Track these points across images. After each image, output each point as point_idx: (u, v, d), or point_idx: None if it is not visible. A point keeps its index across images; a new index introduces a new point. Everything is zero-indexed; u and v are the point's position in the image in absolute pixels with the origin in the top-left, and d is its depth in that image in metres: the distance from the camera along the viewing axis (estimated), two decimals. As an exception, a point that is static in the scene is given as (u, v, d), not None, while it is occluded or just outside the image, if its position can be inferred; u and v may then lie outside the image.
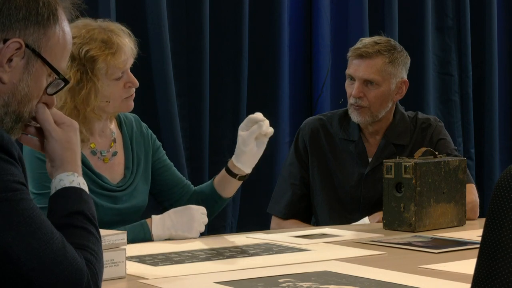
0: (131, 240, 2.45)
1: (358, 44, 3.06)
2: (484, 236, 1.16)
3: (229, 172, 2.68)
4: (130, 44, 2.54)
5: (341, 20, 4.14)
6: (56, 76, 1.60)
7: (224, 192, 2.71)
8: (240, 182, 2.71)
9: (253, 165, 2.67)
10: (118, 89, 2.53)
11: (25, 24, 1.54)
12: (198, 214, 2.56)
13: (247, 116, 3.83)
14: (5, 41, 1.53)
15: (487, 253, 1.15)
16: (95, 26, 2.54)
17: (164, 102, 3.59)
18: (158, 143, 2.75)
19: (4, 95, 1.55)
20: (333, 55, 4.06)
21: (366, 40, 3.08)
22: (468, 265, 2.03)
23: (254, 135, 2.62)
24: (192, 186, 2.77)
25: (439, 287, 1.88)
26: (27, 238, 1.39)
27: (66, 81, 1.62)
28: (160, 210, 2.79)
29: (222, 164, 3.78)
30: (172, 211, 2.56)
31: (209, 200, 2.71)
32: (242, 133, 2.63)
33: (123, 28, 2.57)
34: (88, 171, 2.53)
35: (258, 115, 2.64)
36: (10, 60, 1.54)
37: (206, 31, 3.72)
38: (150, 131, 2.74)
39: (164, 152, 2.76)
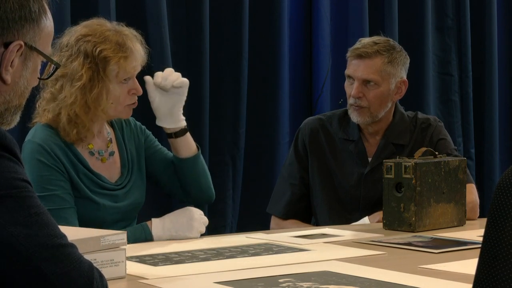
0: (133, 242, 2.46)
1: (357, 45, 3.06)
2: (485, 237, 1.16)
3: (167, 136, 2.70)
4: (141, 51, 2.55)
5: (341, 20, 4.13)
6: (44, 60, 1.64)
7: (179, 154, 2.70)
8: (184, 137, 2.70)
9: (175, 117, 2.67)
10: (122, 93, 2.54)
11: (22, 24, 1.56)
12: (198, 214, 2.56)
13: (247, 116, 3.86)
14: (6, 44, 1.54)
15: (489, 254, 1.15)
16: (110, 27, 2.56)
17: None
18: (148, 132, 2.75)
19: (5, 94, 1.57)
20: (333, 55, 4.05)
21: (365, 40, 3.08)
22: (468, 265, 2.03)
23: (150, 91, 2.63)
24: None
25: (439, 287, 1.88)
26: (35, 231, 1.39)
27: (58, 65, 1.68)
28: (157, 206, 2.79)
29: (222, 164, 3.81)
30: (171, 213, 2.57)
31: (178, 169, 2.70)
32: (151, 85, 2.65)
33: (136, 34, 2.58)
34: (88, 172, 2.54)
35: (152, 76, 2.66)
36: (11, 61, 1.55)
37: (206, 31, 3.72)
38: (138, 123, 2.75)
39: (156, 139, 2.76)
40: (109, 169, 2.61)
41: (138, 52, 2.55)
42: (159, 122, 2.68)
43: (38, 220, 1.40)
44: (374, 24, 4.10)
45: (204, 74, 3.73)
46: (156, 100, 2.65)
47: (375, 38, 3.08)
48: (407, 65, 3.10)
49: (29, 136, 2.54)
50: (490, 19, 4.53)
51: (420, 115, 3.15)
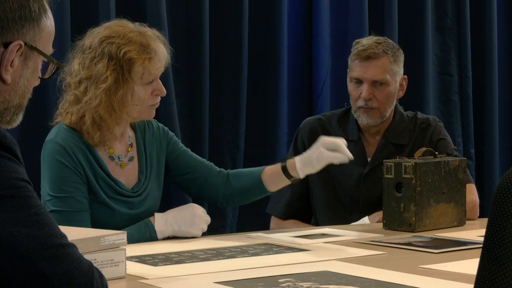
0: (138, 239, 2.46)
1: (360, 46, 3.04)
2: (486, 237, 1.16)
3: (286, 172, 2.66)
4: (164, 51, 2.55)
5: (341, 20, 4.13)
6: (45, 60, 1.63)
7: (271, 187, 2.70)
8: (289, 182, 2.70)
9: (312, 170, 2.68)
10: (146, 94, 2.53)
11: (21, 24, 1.56)
12: (200, 211, 2.56)
13: (247, 116, 3.86)
14: (5, 44, 1.54)
15: (490, 255, 1.15)
16: (132, 28, 2.55)
17: (164, 103, 3.58)
18: (171, 133, 2.73)
19: (5, 93, 1.57)
20: (333, 55, 4.06)
21: (366, 41, 3.07)
22: (468, 265, 2.04)
23: (329, 160, 2.61)
24: (218, 168, 2.75)
25: (439, 287, 1.88)
26: (35, 231, 1.39)
27: (59, 65, 1.67)
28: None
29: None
30: (174, 209, 2.57)
31: (252, 189, 2.70)
32: (323, 150, 2.61)
33: (159, 34, 2.58)
34: (106, 177, 2.53)
35: (344, 147, 2.61)
36: (11, 61, 1.55)
37: (206, 31, 3.72)
38: (161, 125, 2.73)
39: (179, 140, 2.75)
40: (127, 175, 2.60)
41: (162, 53, 2.54)
42: (301, 171, 2.64)
43: (38, 220, 1.40)
44: (374, 24, 4.10)
45: (204, 74, 3.72)
46: (321, 165, 2.64)
47: (374, 38, 3.08)
48: (403, 61, 3.12)
49: (51, 135, 2.53)
50: (490, 19, 4.53)
51: (420, 115, 3.15)
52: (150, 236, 2.51)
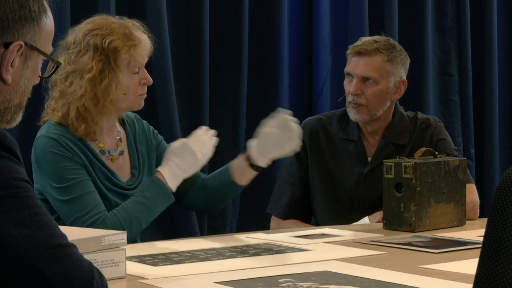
0: (155, 201, 2.50)
1: (357, 42, 3.07)
2: (486, 237, 1.16)
3: (250, 164, 2.68)
4: (147, 40, 2.57)
5: (341, 20, 4.14)
6: (45, 58, 1.64)
7: (239, 180, 2.70)
8: (255, 173, 2.70)
9: (270, 156, 2.68)
10: (134, 83, 2.54)
11: (22, 24, 1.56)
12: (198, 147, 2.60)
13: (247, 116, 3.85)
14: (6, 45, 1.54)
15: (489, 254, 1.15)
16: (114, 20, 2.58)
17: (164, 102, 3.59)
18: (160, 137, 2.75)
19: (5, 93, 1.58)
20: (333, 55, 4.06)
21: (366, 38, 3.10)
22: (468, 265, 2.03)
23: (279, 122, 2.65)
24: (201, 173, 2.77)
25: (439, 287, 1.88)
26: (35, 231, 1.39)
27: (59, 63, 1.68)
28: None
29: (222, 164, 3.80)
30: (173, 156, 2.59)
31: (220, 186, 2.72)
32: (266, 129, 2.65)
33: (138, 24, 2.60)
34: (103, 168, 2.54)
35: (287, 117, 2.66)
36: (12, 61, 1.56)
37: (206, 31, 3.72)
38: (151, 127, 2.75)
39: (167, 145, 2.76)
40: (119, 169, 2.61)
41: (145, 41, 2.56)
42: (260, 153, 2.66)
43: (38, 220, 1.40)
44: (374, 24, 4.10)
45: (204, 74, 3.73)
46: (275, 131, 2.66)
47: (375, 37, 3.09)
48: (407, 65, 3.10)
49: (41, 132, 2.54)
50: (490, 19, 4.54)
51: (420, 115, 3.15)
52: (164, 194, 2.53)
